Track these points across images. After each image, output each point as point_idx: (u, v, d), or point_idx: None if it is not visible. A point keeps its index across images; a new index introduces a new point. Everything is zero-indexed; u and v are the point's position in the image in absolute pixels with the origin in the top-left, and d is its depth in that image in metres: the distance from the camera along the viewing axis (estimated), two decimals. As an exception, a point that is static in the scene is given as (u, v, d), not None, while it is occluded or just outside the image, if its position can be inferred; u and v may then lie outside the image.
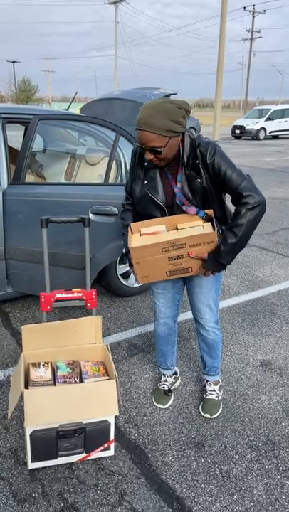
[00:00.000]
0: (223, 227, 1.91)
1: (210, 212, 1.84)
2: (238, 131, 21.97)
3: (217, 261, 1.83)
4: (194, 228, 1.81)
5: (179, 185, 1.83)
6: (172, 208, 1.88)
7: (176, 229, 1.84)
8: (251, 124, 21.64)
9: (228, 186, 1.78)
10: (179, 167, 1.83)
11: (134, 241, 1.83)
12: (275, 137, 22.78)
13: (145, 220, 1.90)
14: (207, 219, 1.84)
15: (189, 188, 1.81)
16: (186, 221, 1.85)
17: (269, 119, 21.81)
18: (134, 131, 3.51)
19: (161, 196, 1.87)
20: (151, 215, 1.92)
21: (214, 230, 1.78)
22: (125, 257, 3.38)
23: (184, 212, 1.85)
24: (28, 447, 1.83)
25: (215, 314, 2.15)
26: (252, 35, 43.53)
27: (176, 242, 1.78)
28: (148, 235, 1.84)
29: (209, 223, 1.82)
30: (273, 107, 22.32)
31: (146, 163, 1.88)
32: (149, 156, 1.74)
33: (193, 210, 1.83)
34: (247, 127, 21.63)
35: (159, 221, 1.87)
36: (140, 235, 1.86)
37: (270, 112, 21.81)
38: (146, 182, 1.88)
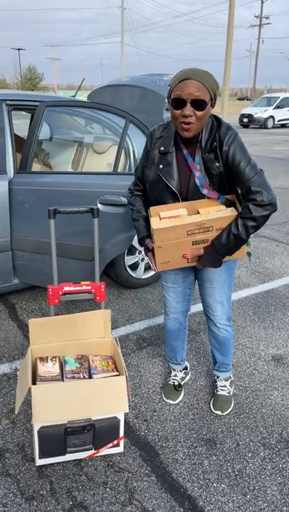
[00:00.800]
0: None
1: (231, 197, 1.77)
2: (246, 120, 21.65)
3: (214, 251, 1.75)
4: (220, 211, 1.73)
5: (198, 167, 1.73)
6: (187, 196, 1.79)
7: (198, 213, 1.76)
8: (259, 113, 21.31)
9: (238, 178, 1.69)
10: (196, 149, 1.74)
11: (157, 223, 1.73)
12: (283, 126, 22.45)
13: (164, 205, 1.81)
14: (228, 204, 1.77)
15: (206, 172, 1.73)
16: (206, 206, 1.76)
17: (278, 107, 21.47)
18: (144, 118, 3.41)
19: (176, 182, 1.78)
20: (164, 202, 1.83)
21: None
22: (134, 249, 3.33)
23: (203, 196, 1.76)
24: (36, 443, 1.79)
25: (227, 311, 2.07)
26: (260, 22, 42.75)
27: (204, 224, 1.70)
28: (168, 218, 1.74)
29: (232, 208, 1.75)
30: (282, 95, 21.95)
31: (162, 148, 1.79)
32: (188, 111, 1.59)
33: (214, 194, 1.75)
34: (255, 116, 21.31)
35: (178, 205, 1.78)
36: (160, 218, 1.76)
37: (279, 100, 21.47)
38: (161, 166, 1.79)
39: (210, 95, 1.61)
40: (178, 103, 1.60)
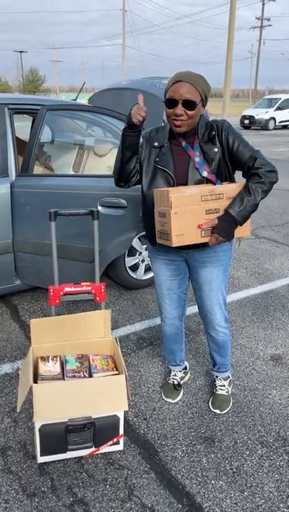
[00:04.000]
0: None
1: (227, 183, 1.89)
2: (247, 121, 21.67)
3: (229, 218, 1.79)
4: (228, 184, 1.85)
5: (197, 153, 1.84)
6: (186, 182, 1.85)
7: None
8: (261, 114, 21.33)
9: (239, 158, 1.83)
10: (194, 140, 1.86)
11: (172, 190, 1.77)
12: (285, 127, 22.46)
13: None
14: None
15: (205, 158, 1.84)
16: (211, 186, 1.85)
17: (279, 108, 21.48)
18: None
19: (172, 169, 1.86)
20: None
21: None
22: (134, 250, 3.36)
23: (202, 181, 1.84)
24: (37, 441, 1.83)
25: (224, 312, 2.11)
26: (262, 23, 42.82)
27: (215, 190, 1.80)
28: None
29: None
30: (283, 96, 21.96)
31: (156, 143, 1.90)
32: (179, 110, 1.73)
33: (213, 177, 1.84)
34: (256, 117, 21.33)
35: (185, 187, 1.84)
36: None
37: (281, 101, 21.47)
38: (157, 159, 1.89)
39: (200, 96, 1.75)
40: (171, 103, 1.75)
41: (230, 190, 1.82)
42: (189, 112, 1.74)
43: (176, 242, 1.79)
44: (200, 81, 1.74)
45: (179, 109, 1.73)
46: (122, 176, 1.96)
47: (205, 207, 1.79)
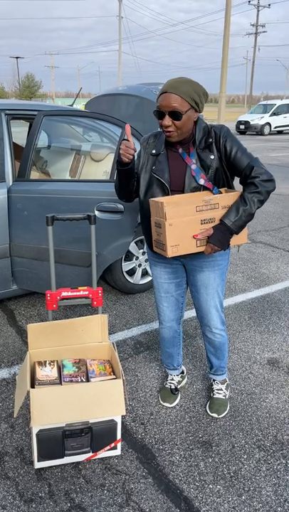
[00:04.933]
0: None
1: (224, 190, 1.89)
2: (242, 127, 21.81)
3: (224, 228, 1.80)
4: (224, 193, 1.84)
5: (194, 161, 1.84)
6: (183, 190, 1.86)
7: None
8: (256, 119, 21.48)
9: (237, 165, 1.83)
10: (191, 147, 1.86)
11: (166, 200, 1.78)
12: (280, 132, 22.62)
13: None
14: None
15: (201, 165, 1.84)
16: (207, 194, 1.85)
17: (274, 114, 21.64)
18: (140, 126, 3.47)
19: (167, 178, 1.87)
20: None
21: None
22: (131, 255, 3.37)
23: (199, 188, 1.84)
24: (35, 446, 1.82)
25: (221, 315, 2.12)
26: (256, 30, 43.16)
27: (211, 201, 1.80)
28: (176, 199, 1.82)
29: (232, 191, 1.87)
30: (278, 102, 22.13)
31: (153, 151, 1.91)
32: (167, 121, 1.74)
33: (210, 185, 1.85)
34: (252, 122, 21.47)
35: (180, 196, 1.86)
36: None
37: (275, 107, 21.64)
38: (154, 167, 1.89)
39: (189, 104, 1.74)
40: (159, 115, 1.78)
41: (225, 199, 1.82)
42: (177, 122, 1.75)
43: (171, 253, 1.81)
44: (188, 88, 1.72)
45: (166, 120, 1.75)
46: (124, 194, 2.01)
47: (200, 217, 1.79)
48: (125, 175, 1.90)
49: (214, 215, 1.82)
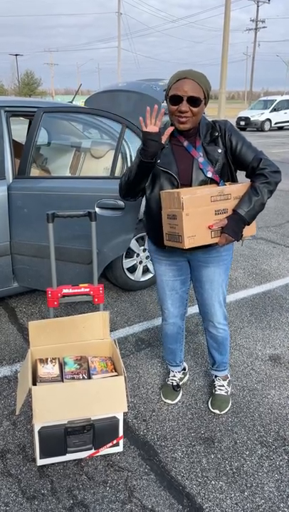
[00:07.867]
0: None
1: (230, 183, 1.89)
2: (243, 123, 21.73)
3: (238, 218, 1.81)
4: (235, 184, 1.86)
5: (201, 154, 1.84)
6: (191, 183, 1.85)
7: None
8: (256, 116, 21.40)
9: (243, 159, 1.85)
10: (197, 141, 1.86)
11: (183, 191, 1.76)
12: (280, 128, 22.54)
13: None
14: None
15: (208, 158, 1.84)
16: (215, 187, 1.85)
17: (274, 110, 21.55)
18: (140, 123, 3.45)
19: (175, 170, 1.86)
20: None
21: None
22: (132, 251, 3.36)
23: (206, 182, 1.84)
24: (37, 444, 1.82)
25: (224, 310, 2.12)
26: (256, 25, 42.99)
27: (224, 191, 1.80)
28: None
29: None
30: (279, 98, 22.04)
31: None
32: (184, 107, 1.73)
33: (217, 177, 1.85)
34: (252, 119, 21.38)
35: (192, 188, 1.85)
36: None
37: (276, 102, 21.55)
38: (159, 161, 1.88)
39: (204, 94, 1.77)
40: (175, 100, 1.75)
41: (236, 190, 1.83)
42: (194, 109, 1.75)
43: (188, 243, 1.77)
44: (203, 79, 1.76)
45: (184, 106, 1.73)
46: (131, 192, 1.97)
47: (214, 207, 1.80)
48: (146, 169, 1.82)
49: (227, 205, 1.83)
